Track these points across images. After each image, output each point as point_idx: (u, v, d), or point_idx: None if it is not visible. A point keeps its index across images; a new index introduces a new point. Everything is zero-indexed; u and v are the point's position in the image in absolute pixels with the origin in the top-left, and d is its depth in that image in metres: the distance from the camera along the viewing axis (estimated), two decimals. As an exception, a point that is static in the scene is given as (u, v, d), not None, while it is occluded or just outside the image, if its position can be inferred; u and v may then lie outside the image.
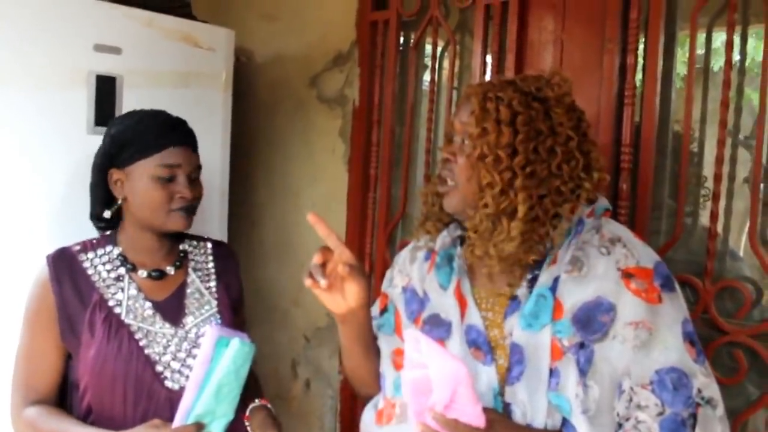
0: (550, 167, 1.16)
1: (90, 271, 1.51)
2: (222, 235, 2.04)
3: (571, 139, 1.17)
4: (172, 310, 1.52)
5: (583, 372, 1.12)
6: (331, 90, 2.16)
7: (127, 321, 1.47)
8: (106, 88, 1.78)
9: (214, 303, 1.57)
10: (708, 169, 1.60)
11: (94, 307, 1.47)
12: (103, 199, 1.56)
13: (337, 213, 2.13)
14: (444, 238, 1.35)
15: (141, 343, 1.46)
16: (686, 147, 1.52)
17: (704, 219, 1.59)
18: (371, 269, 2.08)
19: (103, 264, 1.53)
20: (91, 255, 1.53)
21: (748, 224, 1.48)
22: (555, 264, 1.19)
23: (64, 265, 1.50)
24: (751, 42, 1.57)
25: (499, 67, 1.78)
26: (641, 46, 1.59)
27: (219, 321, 1.55)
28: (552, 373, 1.15)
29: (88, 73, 1.75)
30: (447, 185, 1.25)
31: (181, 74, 1.93)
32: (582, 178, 1.19)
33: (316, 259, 1.22)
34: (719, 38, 1.60)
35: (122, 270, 1.52)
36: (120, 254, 1.54)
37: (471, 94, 1.22)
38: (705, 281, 1.48)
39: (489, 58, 1.81)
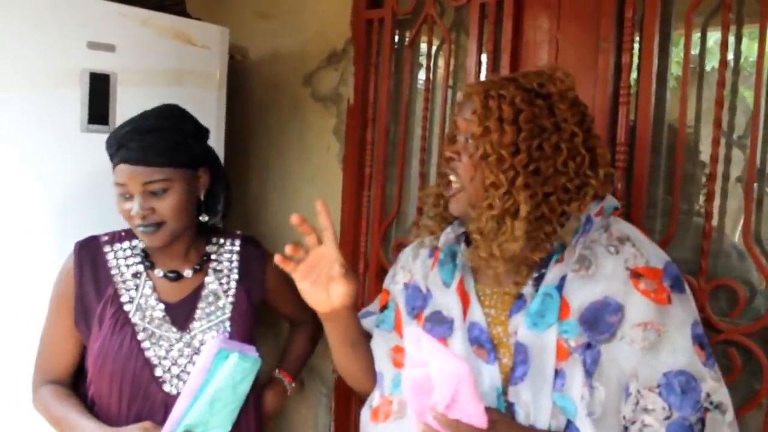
0: (555, 164, 1.15)
1: (111, 264, 1.54)
2: (216, 234, 2.04)
3: (575, 135, 1.16)
4: (182, 313, 1.52)
5: (589, 373, 1.11)
6: (326, 88, 2.15)
7: (133, 320, 1.48)
8: (99, 86, 1.77)
9: (229, 308, 1.55)
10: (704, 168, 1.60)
11: (107, 301, 1.49)
12: None
13: (332, 211, 2.11)
14: (447, 234, 1.33)
15: (143, 344, 1.47)
16: (681, 146, 1.52)
17: (699, 217, 1.59)
18: (366, 267, 2.08)
19: (125, 258, 1.55)
20: (116, 247, 1.56)
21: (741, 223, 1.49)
22: (562, 262, 1.18)
23: (88, 255, 1.53)
24: (745, 41, 1.58)
25: (494, 66, 1.78)
26: (636, 46, 1.59)
27: (229, 329, 1.53)
28: (557, 373, 1.13)
29: (82, 70, 1.74)
30: (452, 187, 1.25)
31: (176, 72, 1.92)
32: (588, 175, 1.17)
33: (288, 250, 1.23)
34: (713, 38, 1.60)
35: (141, 267, 1.52)
36: (142, 250, 1.55)
37: (472, 93, 1.21)
38: (699, 280, 1.49)
39: (484, 57, 1.81)
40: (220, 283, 1.57)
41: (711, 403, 1.09)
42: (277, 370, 1.76)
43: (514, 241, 1.15)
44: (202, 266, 1.58)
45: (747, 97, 1.54)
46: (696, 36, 1.65)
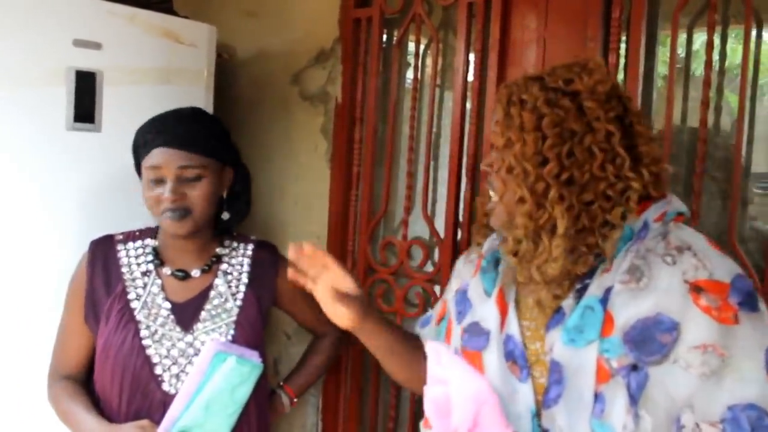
0: (591, 170, 1.04)
1: (123, 262, 1.55)
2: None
3: (611, 134, 1.04)
4: (188, 313, 1.52)
5: (633, 399, 0.99)
6: (314, 87, 2.15)
7: (138, 317, 1.49)
8: (85, 84, 1.76)
9: (235, 312, 1.54)
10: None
11: (115, 297, 1.51)
12: None
13: (320, 210, 2.13)
14: (492, 240, 1.27)
15: (145, 342, 1.47)
16: (668, 146, 1.53)
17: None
18: (353, 266, 2.08)
19: (137, 256, 1.56)
20: (129, 246, 1.57)
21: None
22: (609, 272, 1.05)
23: (101, 252, 1.56)
24: (731, 42, 1.59)
25: (482, 65, 1.79)
26: (623, 46, 1.60)
27: (233, 332, 1.52)
28: (597, 397, 1.01)
29: (68, 68, 1.73)
30: (491, 201, 1.18)
31: (163, 70, 1.91)
32: (629, 177, 1.04)
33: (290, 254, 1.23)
34: (699, 39, 1.61)
35: (151, 265, 1.53)
36: (153, 248, 1.56)
37: (498, 99, 1.13)
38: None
39: (472, 57, 1.81)
40: (229, 286, 1.57)
41: None
42: (279, 383, 1.74)
43: (554, 262, 1.04)
44: (210, 267, 1.58)
45: (732, 101, 1.55)
46: (682, 37, 1.66)
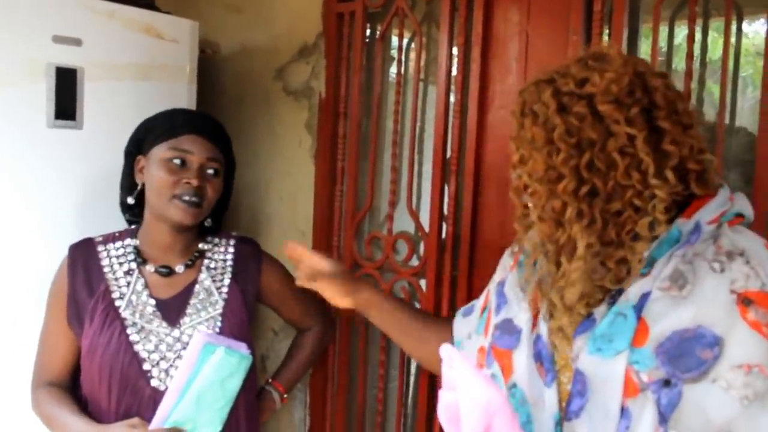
0: (616, 178, 0.94)
1: (104, 263, 1.54)
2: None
3: (633, 137, 0.93)
4: (173, 309, 1.52)
5: (663, 417, 0.90)
6: (297, 82, 2.14)
7: (124, 315, 1.48)
8: (66, 81, 1.74)
9: (221, 305, 1.54)
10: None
11: (98, 297, 1.50)
12: (129, 187, 1.59)
13: (305, 206, 2.12)
14: (531, 235, 1.16)
15: (132, 339, 1.47)
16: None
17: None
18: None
19: (118, 257, 1.56)
20: (110, 247, 1.57)
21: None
22: (648, 277, 0.97)
23: (82, 255, 1.55)
24: (712, 35, 1.59)
25: (465, 58, 1.78)
26: (605, 39, 1.60)
27: (220, 324, 1.52)
28: (622, 412, 0.94)
29: (47, 65, 1.71)
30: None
31: (145, 66, 1.89)
32: (653, 186, 0.93)
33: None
34: (682, 33, 1.62)
35: (134, 263, 1.53)
36: (135, 247, 1.55)
37: (512, 111, 1.04)
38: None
39: (455, 50, 1.81)
40: (213, 281, 1.57)
41: None
42: (268, 380, 1.74)
43: (571, 286, 0.96)
44: (194, 262, 1.58)
45: (714, 91, 1.56)
46: (665, 31, 1.67)
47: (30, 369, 1.57)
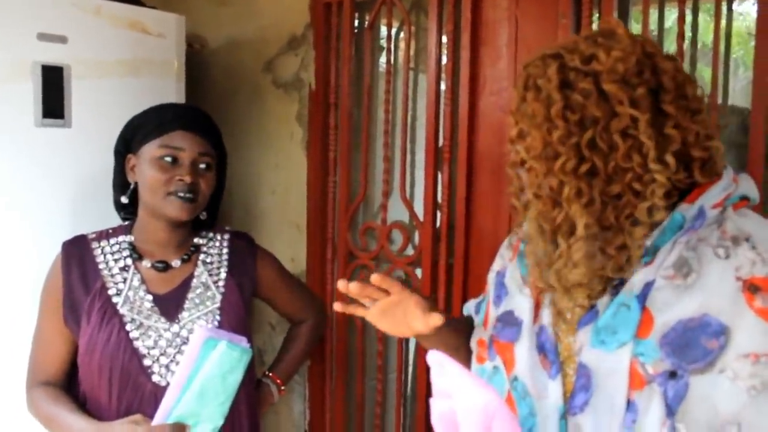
0: (615, 160, 0.91)
1: (99, 259, 1.53)
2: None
3: (636, 119, 0.90)
4: (171, 304, 1.52)
5: (671, 410, 0.88)
6: (287, 74, 2.13)
7: (122, 311, 1.48)
8: (53, 79, 1.72)
9: (219, 299, 1.54)
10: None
11: (95, 294, 1.49)
12: (121, 186, 1.58)
13: (298, 198, 2.11)
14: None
15: (131, 335, 1.46)
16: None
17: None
18: (334, 253, 2.07)
19: (113, 253, 1.54)
20: (104, 243, 1.55)
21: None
22: (651, 265, 0.94)
23: (76, 252, 1.53)
24: (703, 17, 1.59)
25: (454, 46, 1.77)
26: (595, 22, 1.59)
27: (219, 318, 1.52)
28: (628, 406, 0.91)
29: (33, 63, 1.69)
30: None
31: (132, 62, 1.88)
32: (653, 170, 0.91)
33: (341, 287, 1.11)
34: (672, 16, 1.61)
35: (129, 260, 1.52)
36: (130, 243, 1.55)
37: (515, 84, 1.01)
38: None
39: (445, 38, 1.80)
40: (210, 275, 1.57)
41: None
42: (265, 373, 1.74)
43: (575, 267, 0.93)
44: (190, 257, 1.58)
45: (706, 74, 1.56)
46: (654, 14, 1.66)
47: (24, 368, 1.55)
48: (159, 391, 1.43)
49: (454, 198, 1.80)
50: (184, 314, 1.51)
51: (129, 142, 1.55)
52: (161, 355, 1.47)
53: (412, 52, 1.90)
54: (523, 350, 1.05)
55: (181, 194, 1.47)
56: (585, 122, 0.91)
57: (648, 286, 0.92)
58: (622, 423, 0.91)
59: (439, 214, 1.84)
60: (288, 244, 2.13)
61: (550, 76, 0.94)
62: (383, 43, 1.98)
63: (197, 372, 1.39)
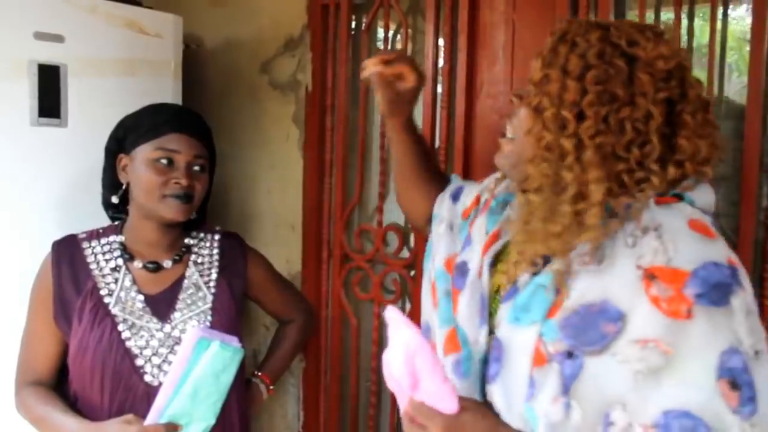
0: (615, 145, 0.93)
1: (90, 259, 1.53)
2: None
3: (651, 116, 0.92)
4: (163, 304, 1.52)
5: (566, 388, 0.91)
6: (284, 75, 2.13)
7: (114, 311, 1.47)
8: (49, 78, 1.72)
9: (210, 299, 1.55)
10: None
11: (86, 295, 1.48)
12: (112, 185, 1.58)
13: (294, 199, 2.11)
14: (508, 181, 1.19)
15: (123, 335, 1.46)
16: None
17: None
18: (329, 254, 2.07)
19: (104, 253, 1.54)
20: (94, 243, 1.55)
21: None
22: (573, 250, 0.97)
23: (66, 252, 1.53)
24: (698, 21, 1.60)
25: (451, 48, 1.78)
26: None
27: (210, 318, 1.52)
28: (531, 381, 0.95)
29: (30, 62, 1.69)
30: (505, 137, 1.09)
31: (128, 62, 1.88)
32: (652, 171, 0.93)
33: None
34: (667, 19, 1.62)
35: (120, 260, 1.52)
36: (121, 243, 1.55)
37: (551, 32, 1.01)
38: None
39: (441, 40, 1.80)
40: (201, 275, 1.57)
41: None
42: (254, 372, 1.75)
43: (588, 231, 0.93)
44: (181, 257, 1.58)
45: (701, 77, 1.56)
46: (650, 18, 1.67)
47: (12, 369, 1.54)
48: (151, 391, 1.43)
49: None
50: (176, 314, 1.51)
51: (121, 141, 1.54)
52: (153, 355, 1.47)
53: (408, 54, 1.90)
54: (465, 300, 1.11)
55: (178, 197, 1.48)
56: (603, 97, 0.93)
57: (567, 270, 0.96)
58: (525, 396, 0.95)
59: (434, 216, 1.84)
60: (283, 244, 2.13)
61: (591, 40, 0.95)
62: (380, 45, 1.98)
63: (190, 372, 1.39)
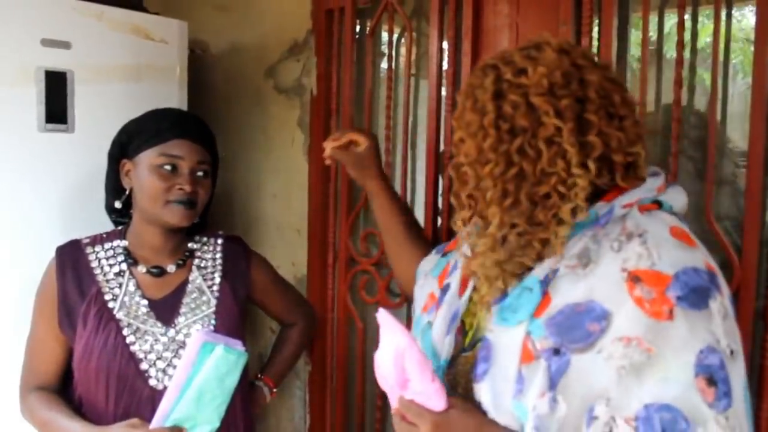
0: (542, 165, 0.99)
1: (94, 264, 1.53)
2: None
3: (560, 129, 0.99)
4: (167, 309, 1.52)
5: (553, 383, 0.96)
6: (289, 80, 2.14)
7: (118, 316, 1.48)
8: (56, 84, 1.74)
9: (213, 303, 1.56)
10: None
11: (91, 299, 1.49)
12: (115, 190, 1.59)
13: (299, 203, 2.12)
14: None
15: (128, 339, 1.47)
16: (641, 127, 1.53)
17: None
18: (335, 259, 2.07)
19: (107, 258, 1.55)
20: (98, 248, 1.56)
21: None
22: (558, 255, 1.02)
23: (70, 257, 1.53)
24: (702, 22, 1.59)
25: (455, 52, 1.78)
26: (595, 29, 1.60)
27: (214, 322, 1.53)
28: (519, 377, 1.00)
29: (37, 68, 1.70)
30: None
31: (135, 68, 1.89)
32: (575, 174, 0.99)
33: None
34: (671, 21, 1.62)
35: (124, 265, 1.52)
36: (125, 248, 1.55)
37: (459, 92, 1.10)
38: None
39: (446, 44, 1.81)
40: (204, 279, 1.58)
41: None
42: (257, 375, 1.75)
43: (475, 258, 1.07)
44: (185, 262, 1.59)
45: (705, 78, 1.56)
46: (654, 19, 1.67)
47: (17, 374, 1.55)
48: (156, 395, 1.44)
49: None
50: (180, 319, 1.51)
51: (124, 147, 1.55)
52: (158, 359, 1.47)
53: (413, 58, 1.91)
54: (440, 316, 1.18)
55: (181, 202, 1.48)
56: (515, 131, 1.00)
57: (553, 273, 1.02)
58: (513, 392, 1.00)
59: (439, 220, 1.84)
60: (289, 248, 2.14)
61: (486, 86, 1.03)
62: (384, 49, 1.99)
63: (195, 375, 1.39)
